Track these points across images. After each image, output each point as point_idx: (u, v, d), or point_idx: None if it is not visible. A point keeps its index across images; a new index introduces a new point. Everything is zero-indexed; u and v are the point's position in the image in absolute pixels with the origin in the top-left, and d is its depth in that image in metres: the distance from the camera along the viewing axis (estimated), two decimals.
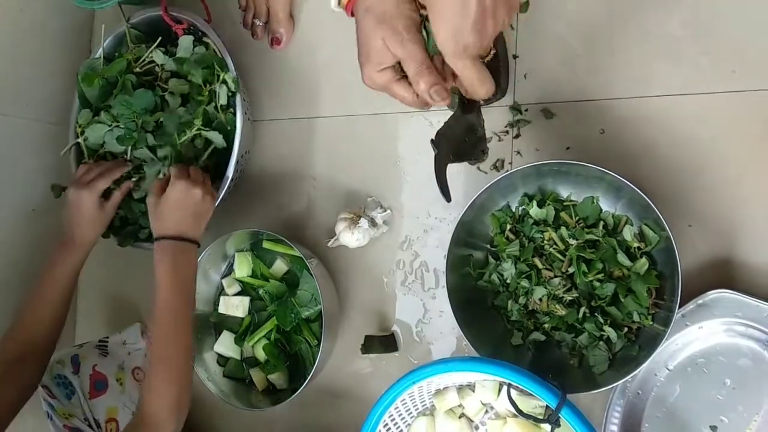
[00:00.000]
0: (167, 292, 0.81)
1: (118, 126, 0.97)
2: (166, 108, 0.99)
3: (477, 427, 0.88)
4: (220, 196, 0.96)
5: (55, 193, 1.02)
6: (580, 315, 0.82)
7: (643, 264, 0.79)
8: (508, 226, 0.86)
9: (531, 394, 0.78)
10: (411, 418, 0.86)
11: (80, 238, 0.93)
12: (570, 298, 0.82)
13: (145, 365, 1.08)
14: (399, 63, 0.63)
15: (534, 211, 0.83)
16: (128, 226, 1.02)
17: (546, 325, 0.85)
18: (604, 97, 0.89)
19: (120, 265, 1.17)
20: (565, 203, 0.85)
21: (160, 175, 0.96)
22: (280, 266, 1.02)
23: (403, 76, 0.64)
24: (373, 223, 0.97)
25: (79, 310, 1.21)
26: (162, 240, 0.84)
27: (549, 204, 0.84)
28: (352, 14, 0.65)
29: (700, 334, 0.80)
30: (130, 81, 0.99)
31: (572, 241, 0.81)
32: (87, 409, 0.96)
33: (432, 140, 0.74)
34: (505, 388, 0.79)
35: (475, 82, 0.62)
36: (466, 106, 0.78)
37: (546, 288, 0.83)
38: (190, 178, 0.86)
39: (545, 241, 0.83)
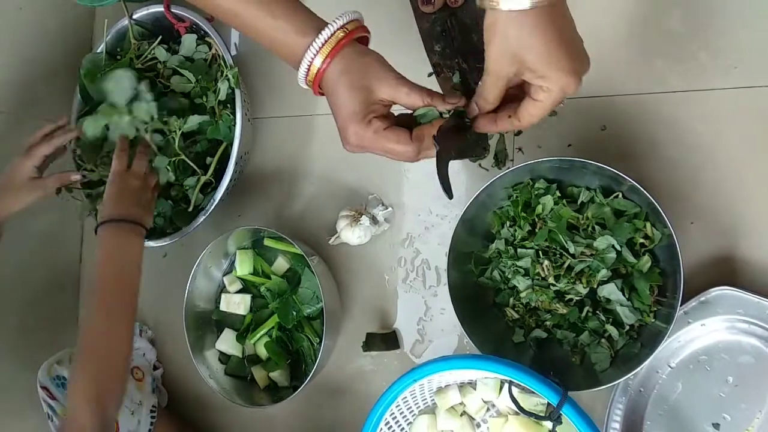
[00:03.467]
0: (100, 274, 0.79)
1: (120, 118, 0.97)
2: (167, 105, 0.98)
3: (478, 425, 0.87)
4: (219, 196, 0.96)
5: (56, 190, 1.02)
6: (583, 314, 0.82)
7: (645, 261, 0.78)
8: (520, 207, 0.85)
9: (532, 392, 0.78)
10: (412, 416, 0.86)
11: (142, 220, 0.87)
12: (574, 297, 0.82)
13: (142, 364, 1.07)
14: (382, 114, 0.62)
15: (547, 199, 0.83)
16: None
17: (548, 323, 0.85)
18: (605, 93, 0.89)
19: None
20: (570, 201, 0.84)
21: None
22: (281, 264, 1.02)
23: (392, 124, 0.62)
24: (374, 220, 0.97)
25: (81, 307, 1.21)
26: (103, 224, 0.83)
27: (559, 201, 0.83)
28: (321, 92, 0.63)
29: (702, 332, 0.80)
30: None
31: (581, 241, 0.80)
32: None
33: (434, 137, 0.74)
34: (506, 385, 0.79)
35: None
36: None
37: (549, 289, 0.82)
38: (127, 170, 0.88)
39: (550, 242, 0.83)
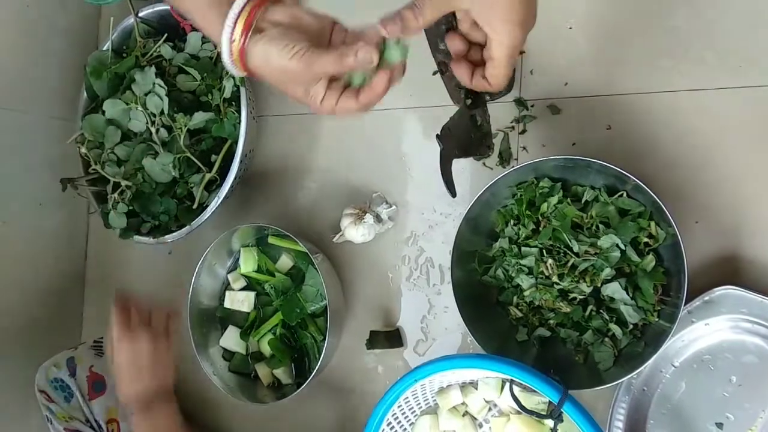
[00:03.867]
0: None
1: (137, 108, 0.97)
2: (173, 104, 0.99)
3: (480, 425, 0.87)
4: (223, 194, 0.96)
5: (62, 185, 1.02)
6: (587, 313, 0.82)
7: (650, 261, 0.78)
8: (524, 205, 0.85)
9: (534, 391, 0.78)
10: (414, 416, 0.86)
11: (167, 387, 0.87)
12: (577, 296, 0.82)
13: None
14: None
15: (552, 199, 0.83)
16: (132, 217, 1.02)
17: (551, 321, 0.85)
18: (610, 92, 0.89)
19: (125, 262, 1.18)
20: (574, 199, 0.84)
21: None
22: (285, 261, 1.03)
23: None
24: (378, 218, 0.97)
25: (86, 306, 1.22)
26: (131, 407, 0.80)
27: (563, 200, 0.83)
28: (246, 68, 0.56)
29: (706, 331, 0.80)
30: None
31: (585, 239, 0.80)
32: (87, 411, 0.96)
33: (437, 135, 0.74)
34: (507, 384, 0.79)
35: (506, 77, 0.62)
36: (472, 102, 0.78)
37: (553, 287, 0.83)
38: (131, 332, 0.81)
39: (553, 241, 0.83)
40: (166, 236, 1.00)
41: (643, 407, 0.84)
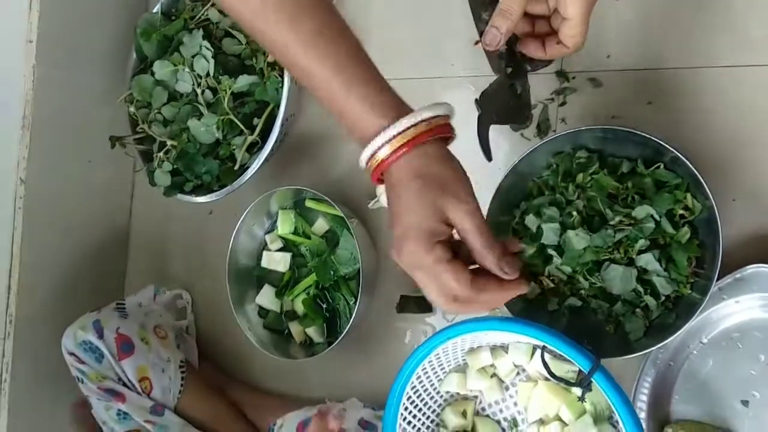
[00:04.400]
0: None
1: (184, 70, 1.00)
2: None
3: (507, 388, 0.89)
4: (264, 156, 0.98)
5: (111, 143, 1.06)
6: None
7: (685, 233, 0.78)
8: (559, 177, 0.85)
9: (564, 360, 0.79)
10: (443, 372, 0.87)
11: None
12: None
13: (162, 323, 1.10)
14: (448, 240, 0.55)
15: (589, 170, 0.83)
16: (176, 176, 1.05)
17: (583, 292, 0.86)
18: (654, 66, 0.88)
19: (168, 220, 1.22)
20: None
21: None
22: (321, 225, 1.05)
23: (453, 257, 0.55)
24: None
25: (130, 261, 1.27)
26: None
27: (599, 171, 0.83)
28: (380, 180, 0.57)
29: (735, 308, 0.80)
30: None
31: (620, 210, 0.80)
32: (119, 370, 0.99)
33: (476, 100, 0.75)
34: (538, 351, 0.80)
35: (584, 34, 0.62)
36: (513, 71, 0.79)
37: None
38: None
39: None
40: (208, 195, 1.03)
41: (669, 382, 0.85)
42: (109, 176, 1.19)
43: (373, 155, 0.54)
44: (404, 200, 0.54)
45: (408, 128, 0.53)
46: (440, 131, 0.56)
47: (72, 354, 0.99)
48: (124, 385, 0.99)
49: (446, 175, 0.55)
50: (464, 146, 0.98)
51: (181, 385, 1.03)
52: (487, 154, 0.72)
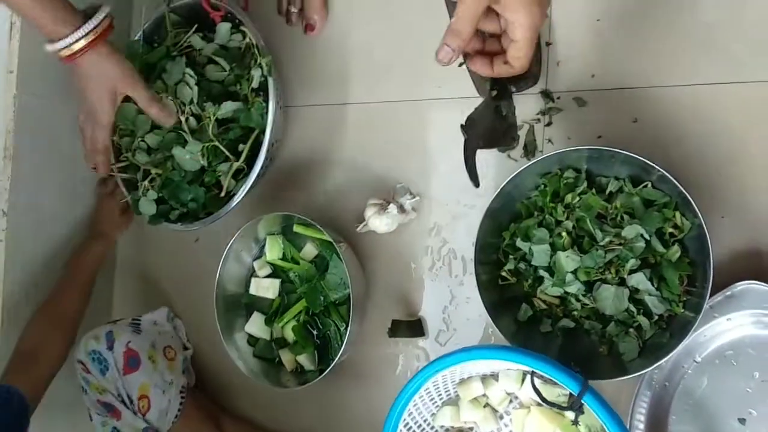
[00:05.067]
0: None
1: (167, 97, 1.00)
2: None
3: (501, 417, 0.88)
4: (250, 182, 0.97)
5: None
6: None
7: (675, 251, 0.78)
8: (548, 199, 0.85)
9: (554, 384, 0.78)
10: (435, 407, 0.87)
11: (107, 235, 1.13)
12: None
13: (174, 344, 1.10)
14: None
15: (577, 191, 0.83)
16: (161, 204, 1.04)
17: (575, 313, 0.85)
18: (637, 85, 0.89)
19: (154, 248, 1.21)
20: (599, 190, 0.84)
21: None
22: (310, 250, 1.04)
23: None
24: (401, 209, 0.98)
25: (116, 289, 1.25)
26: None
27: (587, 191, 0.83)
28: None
29: (728, 326, 0.80)
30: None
31: (609, 230, 0.80)
32: (120, 385, 0.98)
33: (462, 125, 0.75)
34: (528, 377, 0.79)
35: (528, 57, 0.66)
36: (498, 93, 0.79)
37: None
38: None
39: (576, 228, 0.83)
40: (194, 223, 1.02)
41: (665, 402, 0.84)
42: (94, 205, 1.18)
43: (67, 47, 0.86)
44: (91, 84, 0.93)
45: (93, 28, 0.87)
46: (111, 28, 0.90)
47: (80, 362, 0.99)
48: (122, 402, 0.98)
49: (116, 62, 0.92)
50: (451, 169, 0.99)
51: (179, 410, 1.02)
52: (474, 180, 0.71)
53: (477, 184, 0.71)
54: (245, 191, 0.98)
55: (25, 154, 1.04)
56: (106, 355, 0.99)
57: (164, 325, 1.13)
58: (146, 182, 1.03)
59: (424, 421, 0.85)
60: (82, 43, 0.86)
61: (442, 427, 0.87)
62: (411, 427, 0.83)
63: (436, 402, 0.86)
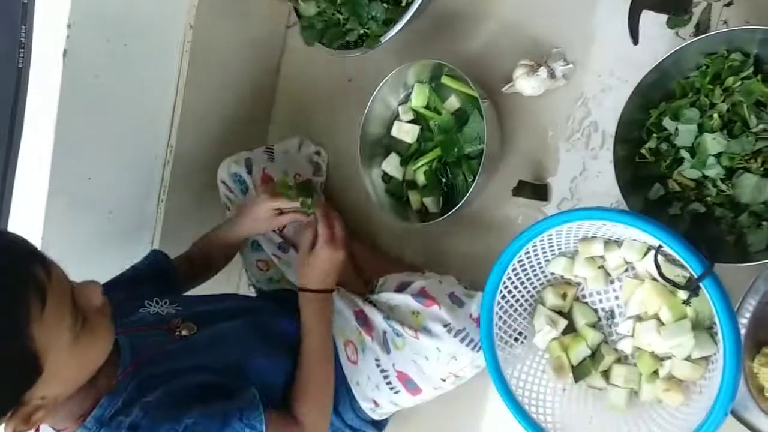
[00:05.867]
0: (312, 332, 0.94)
1: None
2: None
3: (612, 282, 0.90)
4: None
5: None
6: None
7: None
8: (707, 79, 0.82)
9: (676, 264, 0.79)
10: (552, 254, 0.90)
11: (243, 228, 1.05)
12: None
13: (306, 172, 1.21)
14: None
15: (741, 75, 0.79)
16: (334, 27, 1.08)
17: (709, 198, 0.84)
18: None
19: (311, 82, 1.30)
20: None
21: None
22: (453, 102, 1.08)
23: None
24: (552, 74, 0.98)
25: (273, 113, 1.37)
26: (306, 292, 0.95)
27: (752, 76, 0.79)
28: None
29: None
30: None
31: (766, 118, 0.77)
32: None
33: None
34: (652, 251, 0.80)
35: None
36: None
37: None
38: (335, 240, 0.94)
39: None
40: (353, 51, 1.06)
41: None
42: (263, 31, 1.27)
43: None
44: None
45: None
46: None
47: (223, 182, 1.13)
48: None
49: None
50: (612, 38, 0.96)
51: None
52: (635, 37, 0.71)
53: (636, 41, 0.70)
54: (405, 20, 0.99)
55: None
56: (246, 177, 1.11)
57: (295, 154, 1.24)
58: None
59: (538, 263, 0.90)
60: None
61: (552, 274, 0.92)
62: (523, 264, 0.88)
63: (554, 251, 0.90)
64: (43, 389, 0.63)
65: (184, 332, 0.87)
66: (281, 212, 1.02)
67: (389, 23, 1.02)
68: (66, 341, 0.63)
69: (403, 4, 1.03)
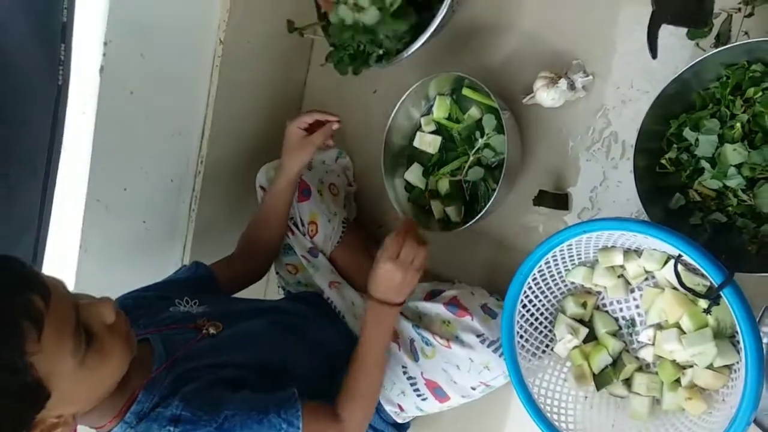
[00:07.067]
0: (369, 340, 0.93)
1: None
2: None
3: (633, 291, 0.91)
4: (429, 33, 0.98)
5: (288, 28, 1.15)
6: None
7: None
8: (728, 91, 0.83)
9: (696, 273, 0.80)
10: (572, 264, 0.92)
11: (285, 165, 1.06)
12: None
13: (338, 183, 1.23)
14: None
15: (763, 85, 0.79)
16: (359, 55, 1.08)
17: (730, 209, 0.84)
18: None
19: (337, 95, 1.33)
20: None
21: None
22: (474, 113, 1.10)
23: None
24: (572, 86, 1.00)
25: None
26: (371, 299, 0.93)
27: None
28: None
29: None
30: None
31: None
32: (295, 210, 1.14)
33: None
34: (672, 261, 0.81)
35: None
36: None
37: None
38: (413, 267, 0.91)
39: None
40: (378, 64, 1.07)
41: None
42: (291, 45, 1.31)
43: None
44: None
45: None
46: None
47: (261, 187, 1.16)
48: (295, 224, 1.14)
49: None
50: (632, 51, 0.98)
51: (340, 238, 1.17)
52: (653, 51, 0.72)
53: (654, 55, 0.71)
54: (429, 33, 0.98)
55: None
56: None
57: (331, 165, 1.27)
58: None
59: (558, 273, 0.91)
60: None
61: (572, 283, 0.93)
62: (543, 274, 0.89)
63: (574, 260, 0.91)
64: (56, 409, 0.62)
65: (211, 330, 0.89)
66: (311, 131, 1.04)
67: (403, 37, 1.02)
68: (70, 366, 0.62)
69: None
